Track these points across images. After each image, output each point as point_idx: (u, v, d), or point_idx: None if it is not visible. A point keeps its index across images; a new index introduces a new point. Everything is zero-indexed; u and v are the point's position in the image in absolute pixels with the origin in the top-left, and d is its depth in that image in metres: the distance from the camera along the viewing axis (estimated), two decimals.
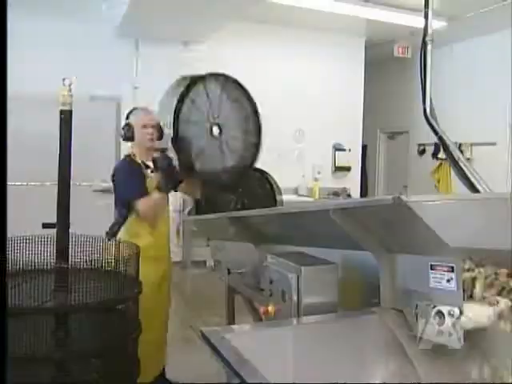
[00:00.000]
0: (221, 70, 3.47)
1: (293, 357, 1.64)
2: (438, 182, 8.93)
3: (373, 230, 1.76)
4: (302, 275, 1.87)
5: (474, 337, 1.66)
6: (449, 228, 1.62)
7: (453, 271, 1.54)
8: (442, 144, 2.90)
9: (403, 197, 1.46)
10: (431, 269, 1.61)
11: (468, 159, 8.91)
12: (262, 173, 3.87)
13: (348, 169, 8.74)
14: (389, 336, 1.75)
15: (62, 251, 1.99)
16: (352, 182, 8.86)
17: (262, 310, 2.08)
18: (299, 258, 2.02)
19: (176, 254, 7.19)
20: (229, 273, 3.09)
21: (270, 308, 2.03)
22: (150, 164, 3.33)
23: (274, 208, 2.87)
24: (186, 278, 6.36)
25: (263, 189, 3.89)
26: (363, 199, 1.84)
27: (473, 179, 2.74)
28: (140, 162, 3.29)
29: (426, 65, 3.00)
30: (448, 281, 1.55)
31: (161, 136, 3.30)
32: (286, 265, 1.98)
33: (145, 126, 3.26)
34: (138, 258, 2.22)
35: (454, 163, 2.87)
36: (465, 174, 2.70)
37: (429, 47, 3.00)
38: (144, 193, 3.18)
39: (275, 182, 3.87)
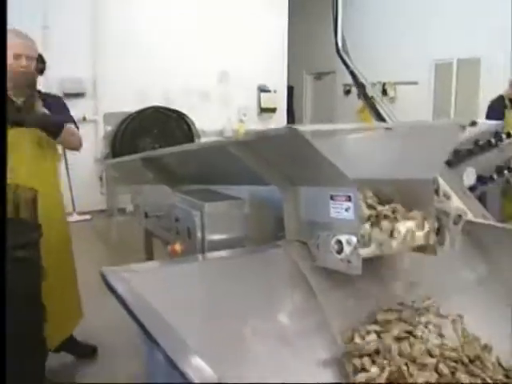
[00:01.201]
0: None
1: (196, 294, 1.62)
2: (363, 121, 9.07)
3: (274, 162, 1.73)
4: (206, 211, 1.84)
5: (373, 264, 1.70)
6: (347, 158, 1.62)
7: (350, 200, 1.54)
8: (352, 78, 2.90)
9: (298, 127, 1.43)
10: (331, 199, 1.61)
11: (391, 98, 9.11)
12: (180, 114, 3.79)
13: (273, 110, 8.70)
14: (293, 268, 1.76)
15: None
16: (278, 124, 8.84)
17: (169, 248, 2.05)
18: (204, 195, 1.99)
19: (100, 203, 7.06)
20: (146, 216, 3.04)
21: (177, 246, 2.01)
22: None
23: (178, 146, 2.80)
24: (111, 225, 6.24)
25: (181, 131, 3.82)
26: (260, 131, 1.80)
27: (384, 114, 2.76)
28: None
29: None
30: (346, 210, 1.56)
31: (42, 70, 2.91)
32: (190, 202, 1.95)
33: (19, 57, 2.70)
34: (35, 202, 2.12)
35: (365, 97, 2.88)
36: (375, 107, 2.71)
37: None
38: None
39: (193, 124, 3.81)
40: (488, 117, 4.86)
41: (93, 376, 3.16)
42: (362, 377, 1.52)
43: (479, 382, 1.54)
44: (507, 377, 1.67)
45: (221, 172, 2.25)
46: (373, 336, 1.61)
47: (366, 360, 1.57)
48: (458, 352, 1.63)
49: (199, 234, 1.86)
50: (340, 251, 1.55)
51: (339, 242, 1.56)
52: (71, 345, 3.23)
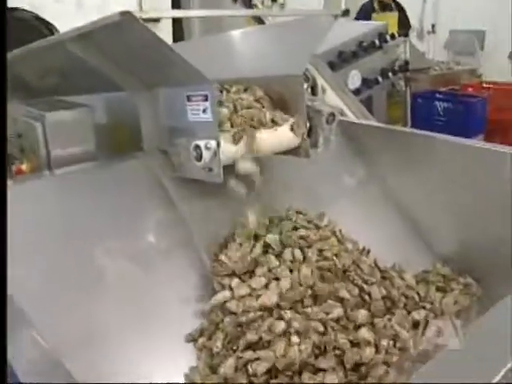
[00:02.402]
0: None
1: (37, 215, 1.40)
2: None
3: (122, 61, 1.48)
4: (47, 122, 1.58)
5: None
6: (202, 56, 1.43)
7: (207, 100, 1.35)
8: None
9: (134, 13, 1.19)
10: (188, 100, 1.41)
11: (281, 4, 8.84)
12: (36, 18, 3.37)
13: (157, 19, 8.19)
14: (153, 181, 1.58)
15: None
16: (163, 34, 8.37)
17: (14, 169, 1.78)
18: (49, 105, 1.72)
19: None
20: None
21: (24, 166, 1.74)
22: None
23: (18, 49, 2.46)
24: None
25: (41, 36, 3.40)
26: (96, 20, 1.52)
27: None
28: None
29: None
30: (204, 111, 1.37)
31: None
32: (32, 114, 1.68)
33: None
34: None
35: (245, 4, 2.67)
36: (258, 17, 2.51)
37: None
38: None
39: (56, 28, 3.40)
40: (356, 19, 4.81)
41: None
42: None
43: (352, 286, 1.47)
44: (384, 278, 1.62)
45: (75, 81, 1.96)
46: (239, 253, 1.48)
47: (235, 280, 1.45)
48: (334, 260, 1.54)
49: (43, 149, 1.61)
50: (199, 158, 1.37)
51: (198, 148, 1.37)
52: None
